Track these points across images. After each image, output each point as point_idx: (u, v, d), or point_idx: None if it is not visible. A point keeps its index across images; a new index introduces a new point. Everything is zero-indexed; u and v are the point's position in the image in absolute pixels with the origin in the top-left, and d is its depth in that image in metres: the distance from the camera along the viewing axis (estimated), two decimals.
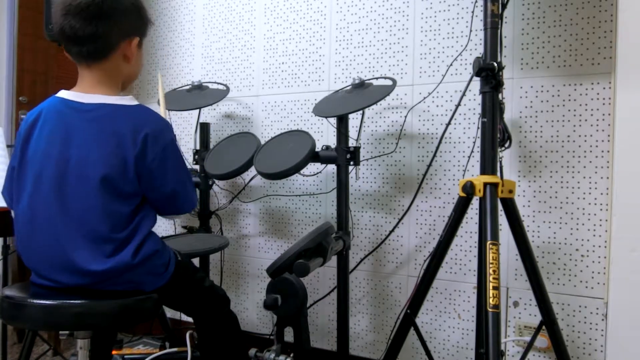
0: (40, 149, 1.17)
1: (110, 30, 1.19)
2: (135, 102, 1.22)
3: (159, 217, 1.30)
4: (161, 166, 1.19)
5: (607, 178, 1.59)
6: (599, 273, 1.60)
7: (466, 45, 1.77)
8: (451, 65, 1.80)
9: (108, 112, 1.18)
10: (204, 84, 2.21)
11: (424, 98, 1.85)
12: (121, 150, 1.15)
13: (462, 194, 1.44)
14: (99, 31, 1.18)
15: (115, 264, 1.14)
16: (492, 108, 1.41)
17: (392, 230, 1.91)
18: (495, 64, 1.38)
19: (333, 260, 1.75)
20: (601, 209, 1.60)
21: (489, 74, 1.39)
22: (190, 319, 1.48)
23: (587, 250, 1.62)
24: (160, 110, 1.60)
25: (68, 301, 1.12)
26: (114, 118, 1.18)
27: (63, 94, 1.21)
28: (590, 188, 1.62)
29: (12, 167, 1.22)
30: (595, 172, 1.61)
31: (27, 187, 1.17)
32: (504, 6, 1.46)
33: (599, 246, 1.60)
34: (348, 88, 1.85)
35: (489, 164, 1.40)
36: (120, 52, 1.23)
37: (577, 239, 1.64)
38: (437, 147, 1.81)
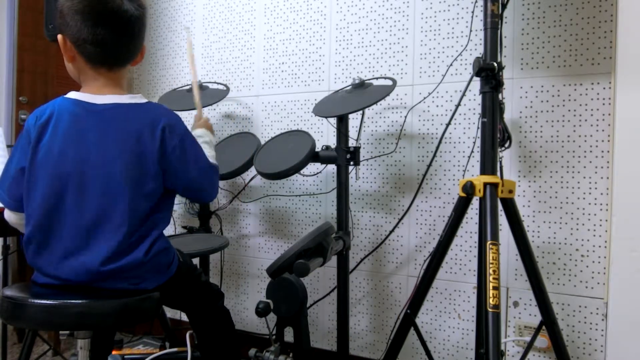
0: (55, 149, 1.16)
1: (141, 41, 1.26)
2: (145, 100, 1.25)
3: None
4: (182, 156, 1.22)
5: (607, 178, 1.59)
6: (599, 273, 1.61)
7: (466, 45, 1.77)
8: (451, 65, 1.80)
9: (123, 111, 1.20)
10: (204, 84, 2.21)
11: (424, 98, 1.85)
12: (141, 147, 1.17)
13: (462, 194, 1.44)
14: (134, 43, 1.23)
15: (127, 262, 1.15)
16: (492, 108, 1.41)
17: (392, 230, 1.91)
18: (495, 64, 1.38)
19: (333, 260, 1.75)
20: (601, 209, 1.60)
21: (489, 74, 1.40)
22: None
23: (587, 250, 1.62)
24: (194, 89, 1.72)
25: (68, 301, 1.12)
26: (129, 116, 1.19)
27: (74, 95, 1.21)
28: (590, 188, 1.62)
29: (21, 168, 1.20)
30: (595, 172, 1.61)
31: (40, 188, 1.16)
32: (504, 6, 1.46)
33: (599, 246, 1.60)
34: (348, 88, 1.85)
35: (489, 164, 1.40)
36: (135, 59, 1.28)
37: (577, 239, 1.64)
38: (437, 147, 1.81)
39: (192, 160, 1.25)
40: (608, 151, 1.58)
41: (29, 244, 1.19)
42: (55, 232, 1.16)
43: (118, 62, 1.23)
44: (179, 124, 1.24)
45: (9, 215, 1.27)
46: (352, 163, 1.75)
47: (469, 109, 1.79)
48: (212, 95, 2.14)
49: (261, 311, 1.44)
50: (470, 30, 1.74)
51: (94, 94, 1.21)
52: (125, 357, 1.82)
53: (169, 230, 2.35)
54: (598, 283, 1.61)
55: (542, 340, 1.62)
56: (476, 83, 1.48)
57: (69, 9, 1.17)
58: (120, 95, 1.22)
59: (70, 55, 1.21)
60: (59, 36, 1.20)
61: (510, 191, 1.41)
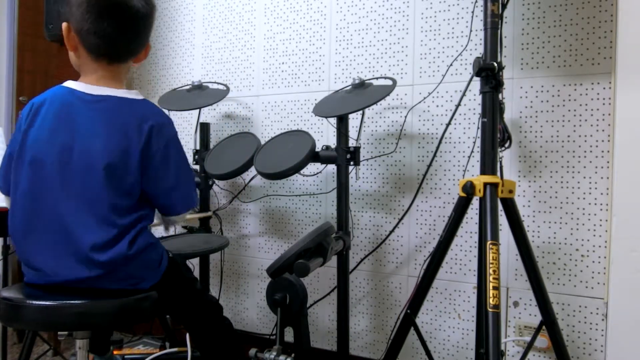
0: (43, 136, 1.16)
1: (146, 39, 1.26)
2: (140, 97, 1.24)
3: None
4: (164, 159, 1.20)
5: (607, 178, 1.59)
6: (599, 273, 1.60)
7: (466, 45, 1.77)
8: (451, 65, 1.80)
9: (115, 104, 1.19)
10: (204, 84, 2.21)
11: (424, 98, 1.85)
12: (126, 142, 1.16)
13: (462, 194, 1.44)
14: (137, 39, 1.23)
15: (114, 255, 1.14)
16: (492, 108, 1.41)
17: (392, 230, 1.91)
18: (495, 64, 1.38)
19: (333, 260, 1.75)
20: (601, 209, 1.60)
21: (489, 74, 1.39)
22: None
23: (587, 250, 1.62)
24: None
25: (67, 301, 1.12)
26: (121, 110, 1.19)
27: (70, 84, 1.22)
28: (590, 188, 1.61)
29: (10, 154, 1.20)
30: (595, 172, 1.61)
31: (26, 173, 1.16)
32: (504, 6, 1.46)
33: (599, 246, 1.60)
34: (348, 88, 1.85)
35: (489, 164, 1.40)
36: (139, 55, 1.28)
37: (577, 239, 1.64)
38: (437, 147, 1.81)
39: (173, 169, 1.22)
40: (608, 151, 1.58)
41: (15, 231, 1.18)
42: (43, 217, 1.15)
43: (119, 57, 1.23)
44: (168, 127, 1.22)
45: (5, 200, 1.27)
46: (352, 163, 1.75)
47: (469, 109, 1.79)
48: (212, 95, 2.13)
49: (279, 300, 1.44)
50: (470, 30, 1.74)
51: (90, 85, 1.20)
52: (125, 357, 1.82)
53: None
54: (598, 283, 1.60)
55: (542, 340, 1.62)
56: (476, 83, 1.48)
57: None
58: (115, 89, 1.21)
59: (73, 44, 1.21)
60: (64, 24, 1.20)
61: (510, 191, 1.41)
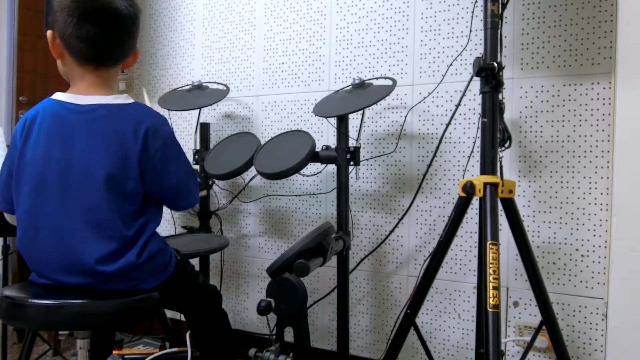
0: (39, 152, 1.16)
1: (132, 42, 1.24)
2: (130, 101, 1.23)
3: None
4: (163, 159, 1.20)
5: (607, 178, 1.59)
6: (599, 273, 1.60)
7: (466, 45, 1.77)
8: (451, 65, 1.80)
9: (107, 112, 1.18)
10: (204, 84, 2.21)
11: (424, 98, 1.85)
12: (123, 149, 1.15)
13: (462, 194, 1.44)
14: (122, 43, 1.22)
15: (122, 265, 1.15)
16: (492, 108, 1.41)
17: (392, 230, 1.91)
18: (495, 64, 1.38)
19: (333, 260, 1.75)
20: (601, 209, 1.60)
21: (489, 74, 1.39)
22: None
23: (587, 250, 1.62)
24: None
25: (68, 301, 1.12)
26: (114, 117, 1.18)
27: (59, 96, 1.21)
28: (590, 188, 1.62)
29: (9, 171, 1.20)
30: (595, 172, 1.61)
31: (26, 191, 1.16)
32: (504, 6, 1.46)
33: (599, 246, 1.60)
34: (348, 88, 1.85)
35: (489, 164, 1.40)
36: (126, 60, 1.26)
37: (577, 239, 1.64)
38: (437, 147, 1.81)
39: (173, 166, 1.23)
40: (608, 151, 1.58)
41: (22, 247, 1.19)
42: (46, 235, 1.15)
43: (105, 61, 1.21)
44: (163, 127, 1.21)
45: (7, 217, 1.27)
46: (352, 163, 1.75)
47: (469, 109, 1.79)
48: (212, 95, 2.13)
49: (262, 310, 1.44)
50: (470, 30, 1.74)
51: (79, 94, 1.19)
52: (125, 357, 1.82)
53: (169, 230, 2.37)
54: (598, 283, 1.61)
55: (542, 340, 1.62)
56: (476, 83, 1.48)
57: (58, 5, 1.16)
58: (105, 96, 1.20)
59: (58, 52, 1.21)
60: (48, 32, 1.19)
61: (510, 191, 1.41)
